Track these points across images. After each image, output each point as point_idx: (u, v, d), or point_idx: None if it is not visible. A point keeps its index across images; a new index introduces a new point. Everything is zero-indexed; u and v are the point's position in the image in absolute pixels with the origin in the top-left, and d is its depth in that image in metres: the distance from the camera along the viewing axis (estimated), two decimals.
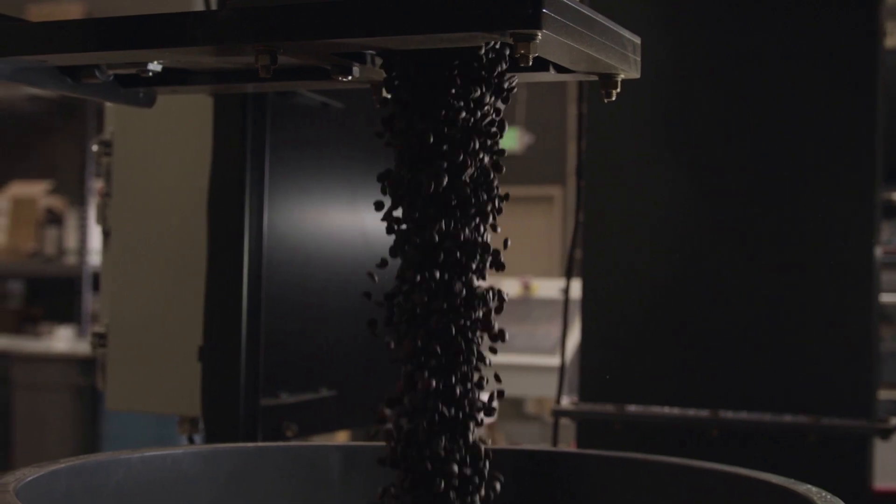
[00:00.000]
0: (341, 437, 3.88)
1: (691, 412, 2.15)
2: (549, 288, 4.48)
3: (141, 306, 1.98)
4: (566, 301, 2.39)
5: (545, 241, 8.79)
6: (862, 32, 2.15)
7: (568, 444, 2.58)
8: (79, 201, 7.48)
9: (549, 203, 9.37)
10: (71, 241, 7.53)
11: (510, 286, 4.26)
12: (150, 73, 1.35)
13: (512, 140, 9.37)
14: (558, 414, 2.27)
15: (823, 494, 1.21)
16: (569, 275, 2.35)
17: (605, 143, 2.31)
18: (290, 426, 1.94)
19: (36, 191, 7.68)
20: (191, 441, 1.95)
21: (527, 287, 4.25)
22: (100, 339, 2.02)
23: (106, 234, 2.03)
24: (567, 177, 9.08)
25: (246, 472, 1.44)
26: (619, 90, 1.29)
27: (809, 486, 1.25)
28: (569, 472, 1.46)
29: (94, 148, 2.04)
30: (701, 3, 2.27)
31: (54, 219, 7.60)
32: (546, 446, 1.56)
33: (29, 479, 1.21)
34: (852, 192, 2.13)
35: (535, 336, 3.98)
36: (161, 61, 1.34)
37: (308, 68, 1.36)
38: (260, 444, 1.60)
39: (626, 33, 1.26)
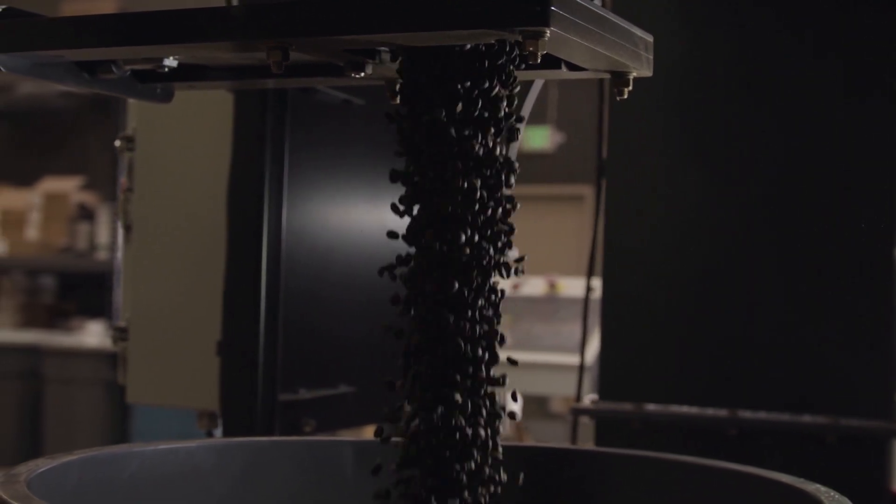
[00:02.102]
0: (370, 433, 3.87)
1: (710, 411, 2.14)
2: (575, 287, 4.47)
3: (161, 301, 1.99)
4: (586, 300, 2.39)
5: (575, 241, 8.78)
6: (885, 31, 2.14)
7: (590, 443, 2.58)
8: (111, 197, 7.52)
9: (580, 202, 9.36)
10: (102, 236, 7.57)
11: (536, 285, 4.27)
12: (167, 69, 1.37)
13: (543, 139, 9.37)
14: (577, 412, 2.27)
15: (832, 494, 1.21)
16: (589, 274, 2.36)
17: (628, 143, 2.31)
18: (308, 422, 1.95)
19: (68, 186, 7.72)
20: (209, 436, 1.96)
21: (552, 286, 4.25)
22: (120, 334, 2.04)
23: (127, 229, 2.04)
24: None
25: (259, 465, 1.45)
26: (631, 88, 1.30)
27: (818, 485, 1.25)
28: (579, 469, 1.47)
29: (117, 143, 2.06)
30: (725, 2, 2.27)
31: (86, 214, 7.64)
32: (559, 443, 1.56)
33: (41, 469, 1.22)
34: (872, 192, 2.13)
35: (560, 335, 3.97)
36: (176, 57, 1.35)
37: (323, 65, 1.37)
38: (273, 438, 1.61)
39: (638, 31, 1.26)
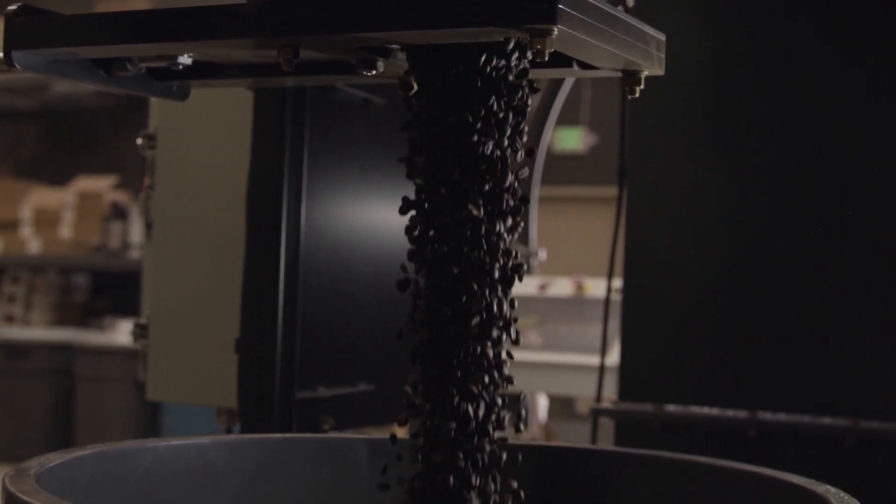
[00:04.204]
0: (400, 432, 3.87)
1: (730, 413, 2.13)
2: (603, 288, 4.40)
3: (181, 298, 2.00)
4: (607, 301, 2.39)
5: (607, 242, 8.72)
6: None
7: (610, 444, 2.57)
8: None
9: (613, 204, 9.29)
10: (135, 235, 7.59)
11: (563, 286, 4.26)
12: (181, 67, 1.37)
13: (575, 140, 9.35)
14: (597, 413, 2.27)
15: (841, 495, 1.21)
16: (610, 275, 2.36)
17: (650, 144, 2.31)
18: (327, 420, 1.95)
19: (101, 185, 7.77)
20: (228, 432, 1.96)
21: (580, 286, 4.23)
22: (141, 331, 2.05)
23: (149, 227, 2.05)
24: None
25: (272, 462, 1.45)
26: (642, 87, 1.29)
27: (829, 486, 1.24)
28: (593, 468, 1.47)
29: (139, 141, 2.07)
30: (747, 2, 2.26)
31: (119, 213, 7.68)
32: (572, 443, 1.56)
33: (52, 464, 1.22)
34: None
35: (587, 335, 3.96)
36: (190, 54, 1.35)
37: (336, 63, 1.38)
38: (287, 434, 1.62)
39: (650, 30, 1.26)
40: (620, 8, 1.23)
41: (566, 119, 8.93)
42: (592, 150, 9.33)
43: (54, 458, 1.24)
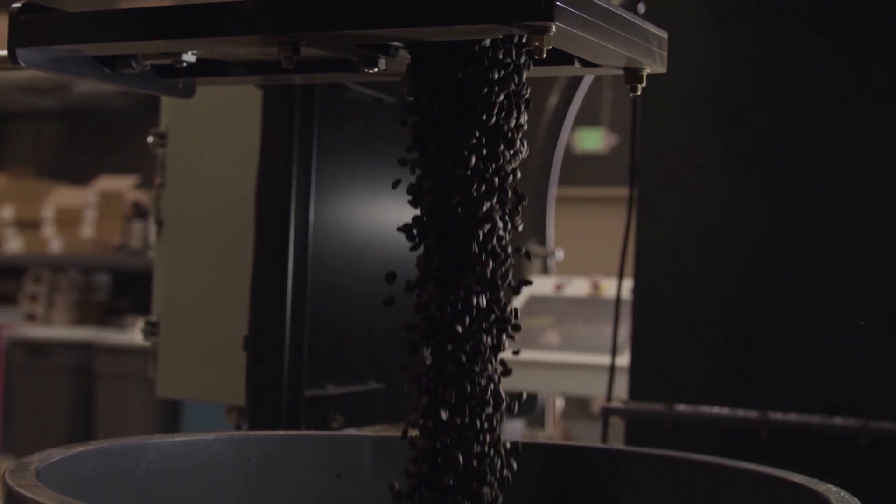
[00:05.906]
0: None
1: (740, 413, 2.13)
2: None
3: (191, 295, 2.01)
4: (617, 300, 2.39)
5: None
6: None
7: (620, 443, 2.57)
8: None
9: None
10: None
11: (579, 286, 4.25)
12: (185, 64, 1.37)
13: (596, 141, 9.34)
14: (607, 412, 2.27)
15: (842, 494, 1.21)
16: (621, 275, 2.36)
17: (663, 144, 2.30)
18: (335, 418, 1.96)
19: (123, 185, 7.79)
20: (237, 430, 1.97)
21: (596, 286, 4.22)
22: (152, 328, 2.05)
23: (159, 225, 2.06)
24: None
25: (277, 459, 1.45)
26: (644, 84, 1.29)
27: (829, 485, 1.24)
28: (596, 467, 1.47)
29: (150, 139, 2.07)
30: (759, 4, 2.25)
31: (140, 213, 7.70)
32: (578, 442, 1.56)
33: (54, 459, 1.22)
34: None
35: (602, 336, 3.94)
36: (194, 52, 1.35)
37: (342, 60, 1.38)
38: (291, 432, 1.62)
39: (651, 27, 1.26)
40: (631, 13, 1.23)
41: (587, 119, 8.91)
42: (613, 150, 9.32)
43: (56, 454, 1.24)
